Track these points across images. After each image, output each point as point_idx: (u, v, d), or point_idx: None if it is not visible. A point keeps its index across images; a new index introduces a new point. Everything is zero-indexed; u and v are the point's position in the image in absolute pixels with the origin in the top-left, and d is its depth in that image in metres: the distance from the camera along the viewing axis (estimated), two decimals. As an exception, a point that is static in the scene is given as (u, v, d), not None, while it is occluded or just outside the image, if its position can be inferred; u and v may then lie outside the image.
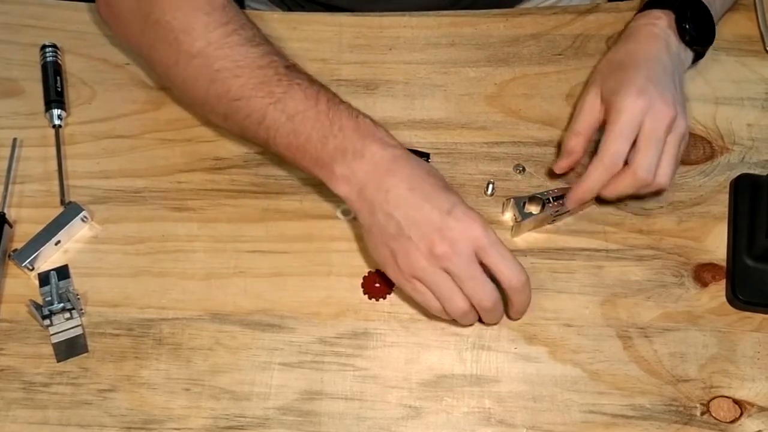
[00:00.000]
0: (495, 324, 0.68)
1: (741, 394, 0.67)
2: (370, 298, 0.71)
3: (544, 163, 0.77)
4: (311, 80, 0.68)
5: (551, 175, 0.76)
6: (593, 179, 0.68)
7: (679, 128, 0.69)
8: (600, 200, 0.72)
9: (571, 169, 0.74)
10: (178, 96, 0.80)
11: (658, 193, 0.71)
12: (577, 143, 0.72)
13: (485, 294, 0.63)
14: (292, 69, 0.68)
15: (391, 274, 0.64)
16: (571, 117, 0.75)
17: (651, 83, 0.68)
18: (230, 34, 0.68)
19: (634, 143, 0.67)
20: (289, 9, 0.97)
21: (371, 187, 0.63)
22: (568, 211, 0.73)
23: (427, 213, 0.62)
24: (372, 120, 0.66)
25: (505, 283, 0.63)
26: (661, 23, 0.74)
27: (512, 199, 0.72)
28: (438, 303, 0.63)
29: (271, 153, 0.71)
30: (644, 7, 0.77)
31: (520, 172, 0.76)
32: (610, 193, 0.69)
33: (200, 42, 0.67)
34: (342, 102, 0.66)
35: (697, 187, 0.76)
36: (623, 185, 0.68)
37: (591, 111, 0.72)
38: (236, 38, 0.68)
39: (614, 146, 0.67)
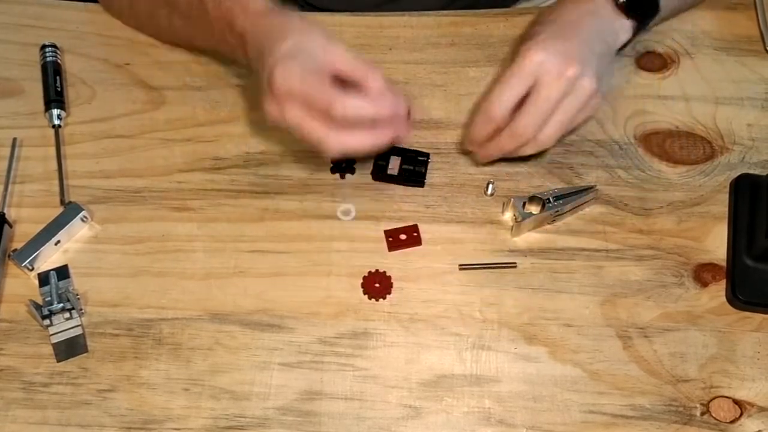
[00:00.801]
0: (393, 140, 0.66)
1: (741, 394, 0.67)
2: (369, 298, 0.71)
3: (543, 163, 0.77)
4: None
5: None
6: (475, 128, 0.68)
7: (581, 90, 0.66)
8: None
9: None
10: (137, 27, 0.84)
11: (542, 153, 0.70)
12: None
13: (322, 145, 0.62)
14: None
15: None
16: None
17: (557, 40, 0.67)
18: None
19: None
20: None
21: (247, 52, 0.67)
22: (568, 211, 0.73)
23: (258, 78, 0.65)
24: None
25: (338, 119, 0.62)
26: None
27: (512, 199, 0.72)
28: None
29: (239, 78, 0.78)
30: None
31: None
32: (493, 149, 0.69)
33: None
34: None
35: (697, 187, 0.76)
36: (502, 142, 0.67)
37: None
38: None
39: (495, 94, 0.66)
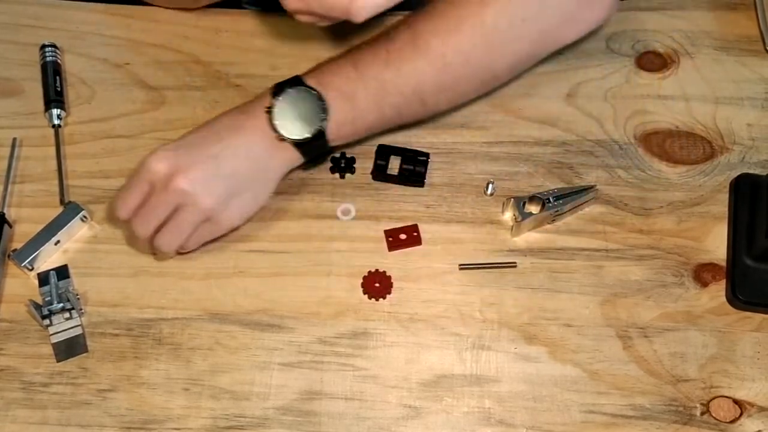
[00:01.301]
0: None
1: (741, 394, 0.67)
2: (369, 298, 0.71)
3: (543, 162, 0.77)
4: None
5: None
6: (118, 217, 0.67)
7: (194, 207, 0.65)
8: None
9: None
10: None
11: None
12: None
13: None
14: None
15: None
16: (570, 117, 0.75)
17: (182, 148, 0.66)
18: None
19: None
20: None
21: None
22: (568, 211, 0.73)
23: None
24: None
25: None
26: (254, 109, 0.68)
27: (512, 199, 0.72)
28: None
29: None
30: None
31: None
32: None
33: None
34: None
35: (697, 186, 0.76)
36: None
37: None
38: None
39: (120, 197, 0.67)
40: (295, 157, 0.70)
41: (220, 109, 0.80)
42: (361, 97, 0.68)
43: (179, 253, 0.70)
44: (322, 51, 0.83)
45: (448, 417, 0.66)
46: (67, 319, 0.68)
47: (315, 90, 0.67)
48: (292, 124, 0.67)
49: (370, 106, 0.68)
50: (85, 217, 0.73)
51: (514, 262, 0.72)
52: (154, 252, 0.71)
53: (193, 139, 0.67)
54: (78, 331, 0.69)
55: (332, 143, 0.70)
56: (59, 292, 0.69)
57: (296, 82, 0.68)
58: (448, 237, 0.73)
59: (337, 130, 0.68)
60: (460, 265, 0.72)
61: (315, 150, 0.70)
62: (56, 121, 0.78)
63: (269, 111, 0.67)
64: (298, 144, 0.68)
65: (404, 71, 0.67)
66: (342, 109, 0.68)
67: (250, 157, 0.67)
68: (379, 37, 0.70)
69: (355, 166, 0.77)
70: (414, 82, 0.68)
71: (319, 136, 0.68)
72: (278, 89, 0.68)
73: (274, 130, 0.67)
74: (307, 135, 0.67)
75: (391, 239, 0.73)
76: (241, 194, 0.68)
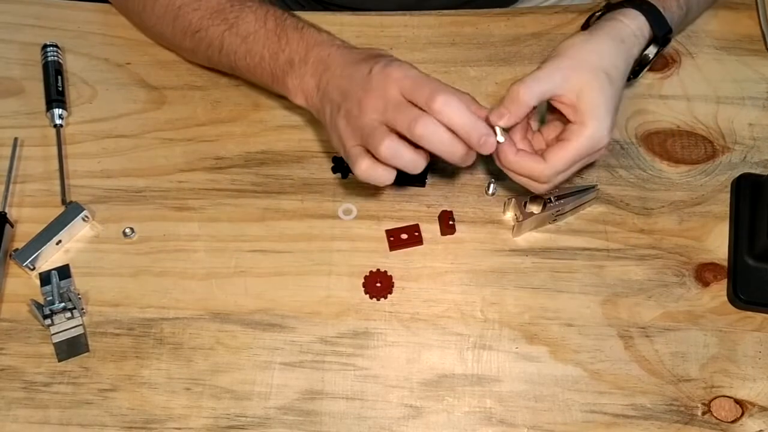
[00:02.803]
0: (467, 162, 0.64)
1: (742, 394, 0.66)
2: (371, 298, 0.71)
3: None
4: (262, 0, 0.72)
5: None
6: (521, 168, 0.65)
7: (596, 156, 0.66)
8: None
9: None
10: (152, 39, 0.83)
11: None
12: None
13: (424, 129, 0.60)
14: None
15: (350, 156, 0.64)
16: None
17: (609, 112, 0.64)
18: None
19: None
20: (289, 8, 0.97)
21: (318, 88, 0.66)
22: (569, 211, 0.73)
23: (354, 82, 0.63)
24: (317, 28, 0.69)
25: (434, 113, 0.60)
26: (631, 24, 0.69)
27: (513, 199, 0.72)
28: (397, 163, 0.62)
29: (240, 79, 0.79)
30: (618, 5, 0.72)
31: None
32: (514, 176, 0.66)
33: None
34: (290, 16, 0.70)
35: (698, 186, 0.76)
36: (529, 168, 0.65)
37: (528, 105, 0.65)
38: None
39: (550, 171, 0.64)
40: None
41: (221, 109, 0.80)
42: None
43: None
44: (324, 51, 0.83)
45: (449, 417, 0.66)
46: (68, 318, 0.68)
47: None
48: None
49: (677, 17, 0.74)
50: (86, 216, 0.73)
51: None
52: None
53: (607, 91, 0.65)
54: (79, 330, 0.69)
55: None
56: (61, 291, 0.69)
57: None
58: (449, 237, 0.73)
59: None
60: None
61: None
62: (58, 121, 0.78)
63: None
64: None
65: None
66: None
67: (627, 68, 0.69)
68: None
69: (356, 165, 0.77)
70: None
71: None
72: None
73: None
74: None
75: (392, 239, 0.73)
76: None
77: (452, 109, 0.60)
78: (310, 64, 0.67)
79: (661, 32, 0.71)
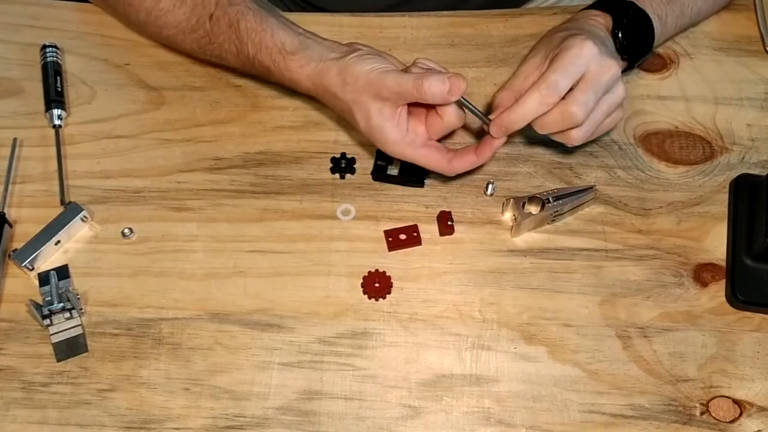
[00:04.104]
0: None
1: (740, 394, 0.67)
2: (369, 298, 0.71)
3: (543, 163, 0.77)
4: (228, 27, 0.72)
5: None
6: (526, 107, 0.65)
7: (617, 94, 0.67)
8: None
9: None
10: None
11: (567, 146, 0.70)
12: (507, 97, 0.69)
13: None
14: (214, 20, 0.73)
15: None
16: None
17: (599, 41, 0.67)
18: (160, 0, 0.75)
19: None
20: (289, 9, 0.97)
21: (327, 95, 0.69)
22: (568, 211, 0.73)
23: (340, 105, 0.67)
24: (274, 60, 0.70)
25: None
26: (599, 21, 0.73)
27: (512, 199, 0.72)
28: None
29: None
30: (587, 7, 0.76)
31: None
32: (539, 125, 0.67)
33: (142, 13, 0.76)
34: (255, 55, 0.71)
35: (696, 187, 0.76)
36: (552, 118, 0.66)
37: (529, 73, 0.69)
38: (166, 2, 0.74)
39: (554, 76, 0.65)
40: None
41: (220, 109, 0.80)
42: (670, 21, 0.77)
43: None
44: (322, 51, 0.83)
45: (448, 417, 0.66)
46: (67, 318, 0.68)
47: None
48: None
49: (671, 27, 0.79)
50: (85, 217, 0.73)
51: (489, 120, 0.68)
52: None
53: (593, 36, 0.68)
54: (78, 330, 0.69)
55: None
56: (59, 292, 0.69)
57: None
58: (447, 237, 0.73)
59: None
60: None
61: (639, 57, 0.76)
62: (57, 122, 0.79)
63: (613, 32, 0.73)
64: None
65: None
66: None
67: None
68: None
69: (355, 166, 0.77)
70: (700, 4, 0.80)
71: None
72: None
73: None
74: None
75: (390, 239, 0.73)
76: None
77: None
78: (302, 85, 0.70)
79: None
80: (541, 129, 0.68)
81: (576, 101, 0.65)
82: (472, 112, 0.68)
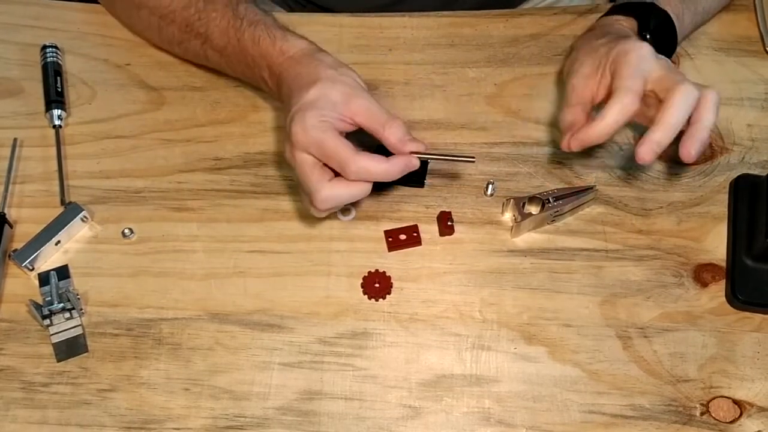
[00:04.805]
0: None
1: (740, 395, 0.67)
2: (369, 298, 0.71)
3: (543, 163, 0.77)
4: (224, 6, 0.72)
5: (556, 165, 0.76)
6: (610, 118, 0.64)
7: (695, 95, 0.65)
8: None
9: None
10: (144, 40, 0.84)
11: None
12: (576, 114, 0.69)
13: (314, 197, 0.63)
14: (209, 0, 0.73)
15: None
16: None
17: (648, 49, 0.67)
18: None
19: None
20: (291, 9, 0.97)
21: (281, 94, 0.68)
22: (568, 212, 0.73)
23: (286, 117, 0.65)
24: (271, 37, 0.69)
25: (345, 175, 0.63)
26: (625, 25, 0.73)
27: (512, 200, 0.72)
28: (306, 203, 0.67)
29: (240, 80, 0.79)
30: (607, 13, 0.76)
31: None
32: (684, 155, 0.65)
33: None
34: (248, 26, 0.70)
35: (696, 187, 0.76)
36: (690, 136, 0.65)
37: (587, 84, 0.69)
38: None
39: (628, 82, 0.64)
40: None
41: (220, 109, 0.80)
42: (687, 21, 0.77)
43: None
44: (323, 52, 0.83)
45: (448, 417, 0.66)
46: (67, 319, 0.68)
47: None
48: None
49: (687, 27, 0.79)
50: (85, 217, 0.73)
51: (473, 157, 0.67)
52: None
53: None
54: (78, 331, 0.69)
55: None
56: (59, 292, 0.69)
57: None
58: (447, 237, 0.73)
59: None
60: (412, 152, 0.65)
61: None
62: (57, 122, 0.79)
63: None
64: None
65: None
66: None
67: None
68: None
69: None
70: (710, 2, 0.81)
71: None
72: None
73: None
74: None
75: (390, 239, 0.73)
76: None
77: (368, 172, 0.63)
78: (273, 80, 0.69)
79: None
80: (688, 158, 0.65)
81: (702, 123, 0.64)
82: (443, 158, 0.68)
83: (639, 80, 0.65)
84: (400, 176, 0.64)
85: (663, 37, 0.74)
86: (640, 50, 0.66)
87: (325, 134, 0.62)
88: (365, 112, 0.64)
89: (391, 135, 0.64)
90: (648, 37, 0.72)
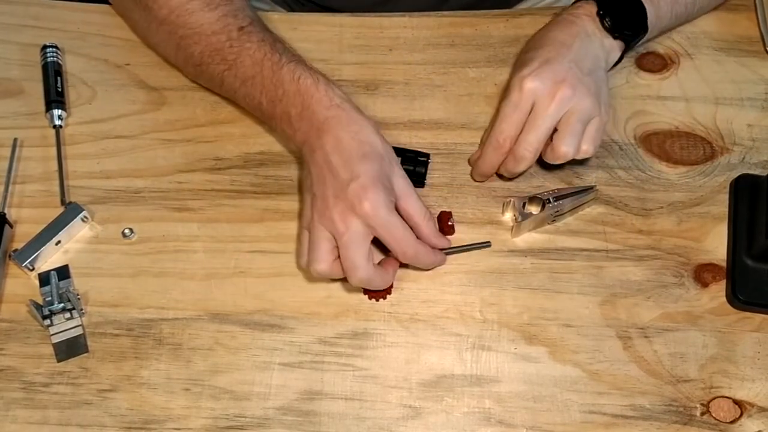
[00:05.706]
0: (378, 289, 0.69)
1: (741, 395, 0.67)
2: (370, 298, 0.71)
3: (543, 163, 0.77)
4: (260, 41, 0.71)
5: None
6: (484, 161, 0.73)
7: (580, 109, 0.68)
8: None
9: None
10: (157, 55, 0.83)
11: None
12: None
13: (355, 271, 0.64)
14: (245, 31, 0.72)
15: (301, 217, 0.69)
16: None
17: (547, 65, 0.69)
18: (190, 0, 0.73)
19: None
20: (291, 9, 0.97)
21: (307, 145, 0.67)
22: (568, 212, 0.73)
23: (333, 177, 0.64)
24: (314, 78, 0.68)
25: (398, 257, 0.66)
26: (579, 12, 0.74)
27: (512, 199, 0.72)
28: (305, 258, 0.66)
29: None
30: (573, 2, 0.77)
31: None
32: (505, 172, 0.73)
33: (165, 9, 0.74)
34: (287, 61, 0.70)
35: (697, 187, 0.76)
36: (508, 165, 0.72)
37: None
38: (196, 3, 0.73)
39: (498, 127, 0.70)
40: (618, 45, 0.75)
41: (220, 110, 0.80)
42: (663, 4, 0.78)
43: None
44: (325, 52, 0.83)
45: (448, 417, 0.66)
46: (67, 319, 0.68)
47: None
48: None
49: (666, 11, 0.78)
50: (85, 217, 0.73)
51: (488, 242, 0.73)
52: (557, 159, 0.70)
53: (541, 54, 0.71)
54: (79, 331, 0.69)
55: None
56: (60, 292, 0.69)
57: None
58: (448, 237, 0.73)
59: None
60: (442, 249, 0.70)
61: (635, 35, 0.76)
62: (57, 122, 0.79)
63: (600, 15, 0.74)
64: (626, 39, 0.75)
65: None
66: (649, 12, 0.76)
67: (592, 52, 0.73)
68: None
69: (355, 166, 0.77)
70: None
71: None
72: None
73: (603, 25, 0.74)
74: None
75: (391, 239, 0.73)
76: (601, 87, 0.71)
77: (420, 262, 0.68)
78: (305, 122, 0.67)
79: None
80: (510, 173, 0.74)
81: (520, 146, 0.70)
82: (461, 250, 0.72)
83: (506, 121, 0.70)
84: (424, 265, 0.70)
85: (625, 16, 0.74)
86: (518, 90, 0.69)
87: (397, 219, 0.64)
88: (410, 208, 0.67)
89: (429, 230, 0.68)
90: (606, 19, 0.73)
